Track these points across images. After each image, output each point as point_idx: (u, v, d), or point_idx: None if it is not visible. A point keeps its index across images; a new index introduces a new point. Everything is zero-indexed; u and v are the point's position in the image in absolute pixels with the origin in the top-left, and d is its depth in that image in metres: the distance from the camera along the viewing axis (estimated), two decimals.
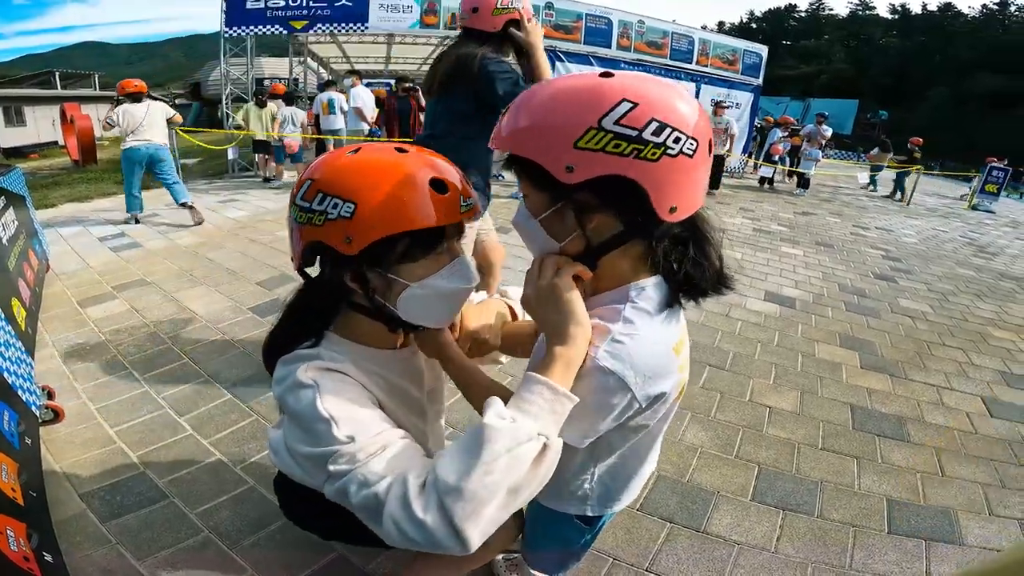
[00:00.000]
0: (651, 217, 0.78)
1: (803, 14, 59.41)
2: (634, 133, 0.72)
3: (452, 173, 0.96)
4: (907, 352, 3.64)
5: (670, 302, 0.88)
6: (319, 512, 1.05)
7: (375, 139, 8.20)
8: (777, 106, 26.74)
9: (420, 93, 8.17)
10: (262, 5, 9.01)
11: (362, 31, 9.69)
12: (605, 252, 0.85)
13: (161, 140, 5.62)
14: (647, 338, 0.82)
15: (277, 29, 9.27)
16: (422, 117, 10.21)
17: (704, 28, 14.93)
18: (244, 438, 2.26)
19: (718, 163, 9.61)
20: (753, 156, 12.89)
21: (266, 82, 14.79)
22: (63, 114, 12.80)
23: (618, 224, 0.82)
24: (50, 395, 2.39)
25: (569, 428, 0.82)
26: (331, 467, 0.85)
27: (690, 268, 0.87)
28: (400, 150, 0.96)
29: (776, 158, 11.50)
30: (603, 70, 0.78)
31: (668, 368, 0.85)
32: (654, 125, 0.72)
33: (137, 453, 2.14)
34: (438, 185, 0.91)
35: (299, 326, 1.07)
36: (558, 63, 10.39)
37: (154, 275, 4.04)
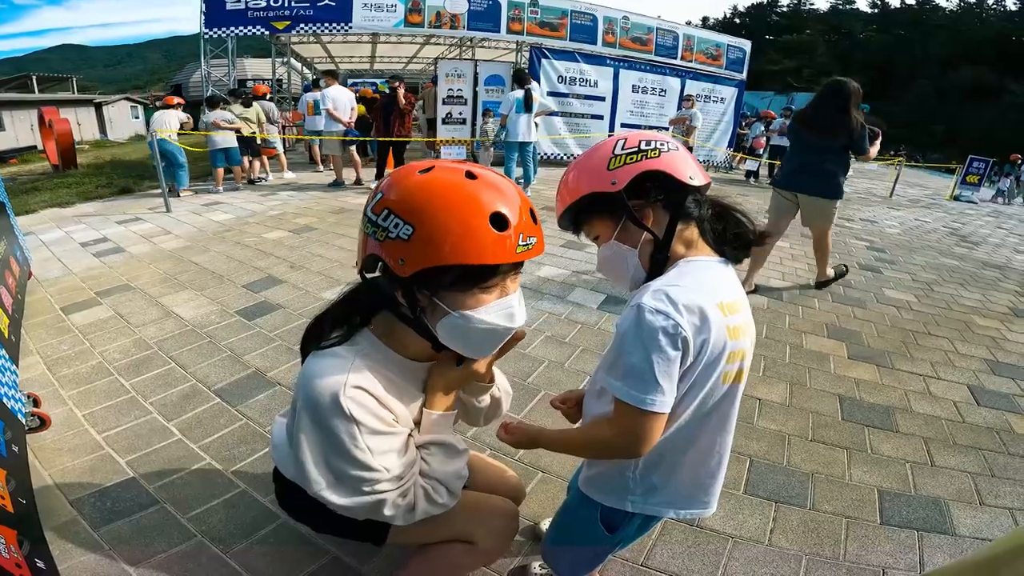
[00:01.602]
0: (681, 189, 1.06)
1: (785, 9, 59.85)
2: (635, 149, 1.06)
3: (517, 205, 0.95)
4: (893, 342, 3.69)
5: (721, 261, 1.10)
6: (313, 505, 1.11)
7: (354, 139, 8.08)
8: (762, 101, 26.93)
9: (403, 90, 8.06)
10: (243, 6, 8.93)
11: (346, 31, 9.64)
12: (671, 239, 1.07)
13: (165, 136, 6.94)
14: (687, 287, 0.98)
15: (258, 30, 9.20)
16: (415, 114, 10.16)
17: (688, 24, 14.99)
18: (234, 442, 2.23)
19: None
20: (733, 149, 12.97)
21: (249, 83, 14.67)
22: (41, 118, 12.59)
23: (666, 212, 1.07)
24: (36, 402, 2.35)
25: (628, 387, 0.96)
26: (364, 488, 1.04)
27: (735, 228, 1.12)
28: (470, 175, 0.95)
29: (760, 151, 11.58)
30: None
31: (709, 312, 0.96)
32: (642, 143, 1.07)
33: (126, 459, 2.11)
34: (498, 221, 0.90)
35: (343, 319, 1.13)
36: (544, 60, 10.40)
37: (138, 280, 3.99)
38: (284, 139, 9.22)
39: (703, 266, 1.06)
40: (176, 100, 7.36)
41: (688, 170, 1.05)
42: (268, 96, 9.32)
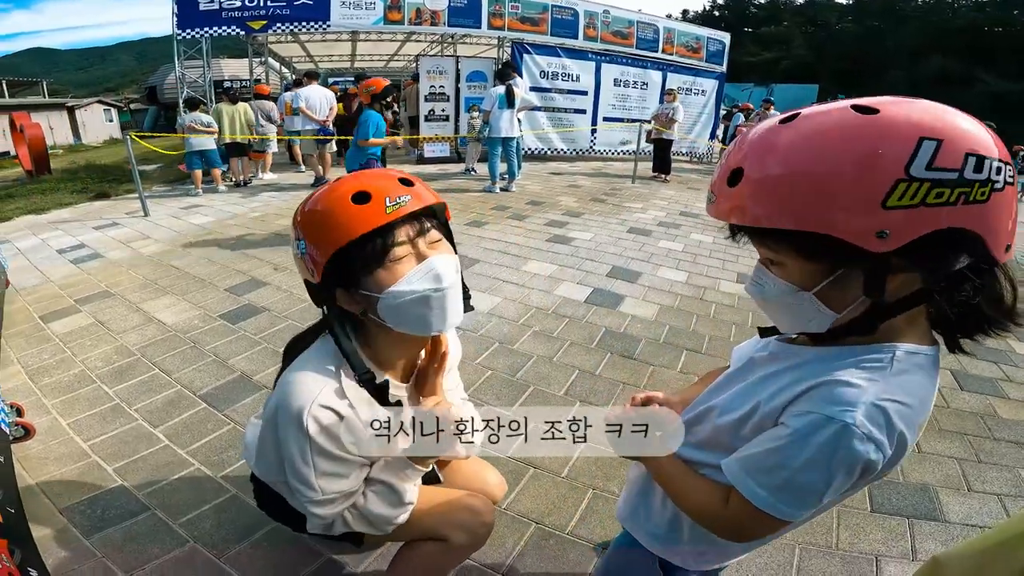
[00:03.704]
0: (983, 263, 0.64)
1: (763, 1, 60.43)
2: (955, 175, 0.58)
3: (380, 179, 0.99)
4: None
5: (936, 354, 0.74)
6: (290, 507, 1.21)
7: (327, 138, 8.02)
8: (742, 92, 27.15)
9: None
10: (216, 6, 8.78)
11: (324, 30, 9.53)
12: (897, 313, 0.69)
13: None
14: (911, 407, 0.69)
15: (233, 30, 9.06)
16: (388, 115, 10.09)
17: (669, 16, 15.07)
18: (222, 446, 2.21)
19: (665, 147, 9.66)
20: (720, 141, 13.07)
21: (226, 83, 14.46)
22: (12, 123, 12.30)
23: (921, 281, 0.66)
24: (19, 412, 2.30)
25: (777, 499, 0.73)
26: (297, 495, 1.08)
27: (992, 307, 0.68)
28: (341, 179, 1.01)
29: None
30: (851, 102, 0.64)
31: (913, 441, 0.72)
32: (972, 160, 0.59)
33: (113, 466, 2.08)
34: (359, 197, 0.95)
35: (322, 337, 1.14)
36: (525, 55, 10.38)
37: (118, 286, 3.92)
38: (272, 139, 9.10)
39: (927, 368, 0.72)
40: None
41: (1010, 234, 0.64)
42: (268, 95, 9.17)
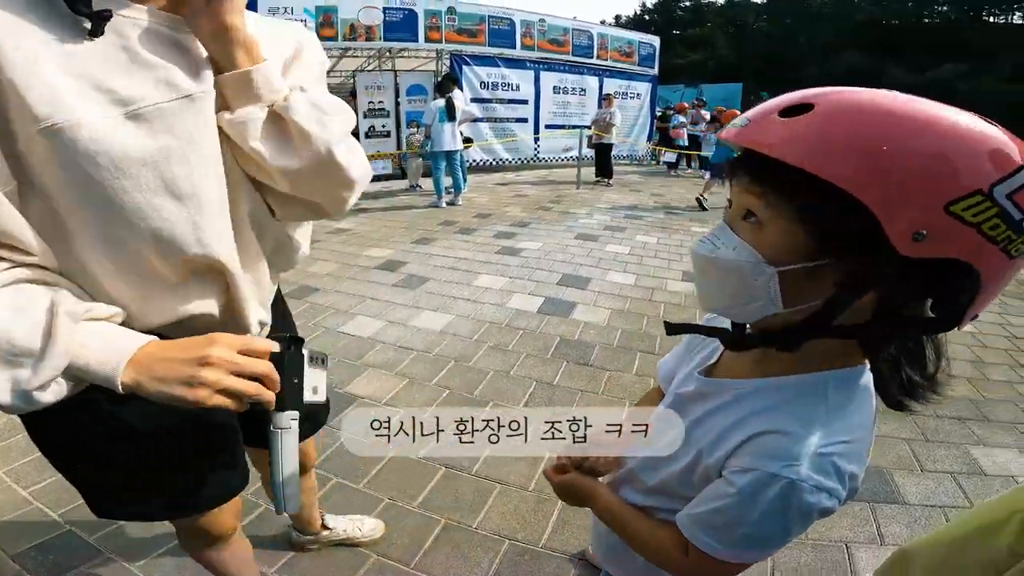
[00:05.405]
0: (954, 315, 0.59)
1: (688, 3, 62.44)
2: (1019, 217, 0.52)
3: None
4: None
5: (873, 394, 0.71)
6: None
7: None
8: (674, 94, 28.01)
9: None
10: None
11: None
12: (830, 336, 0.63)
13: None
14: (858, 441, 0.66)
15: None
16: None
17: (603, 22, 15.52)
18: None
19: (606, 152, 9.93)
20: (656, 143, 13.49)
21: None
22: None
23: (883, 307, 0.61)
24: None
25: (740, 551, 0.70)
26: None
27: (908, 365, 0.66)
28: None
29: (677, 141, 12.10)
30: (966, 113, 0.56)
31: (860, 479, 0.67)
32: None
33: (58, 512, 1.99)
34: None
35: None
36: (465, 67, 10.44)
37: None
38: None
39: (862, 390, 0.69)
40: None
41: (994, 296, 0.59)
42: None
